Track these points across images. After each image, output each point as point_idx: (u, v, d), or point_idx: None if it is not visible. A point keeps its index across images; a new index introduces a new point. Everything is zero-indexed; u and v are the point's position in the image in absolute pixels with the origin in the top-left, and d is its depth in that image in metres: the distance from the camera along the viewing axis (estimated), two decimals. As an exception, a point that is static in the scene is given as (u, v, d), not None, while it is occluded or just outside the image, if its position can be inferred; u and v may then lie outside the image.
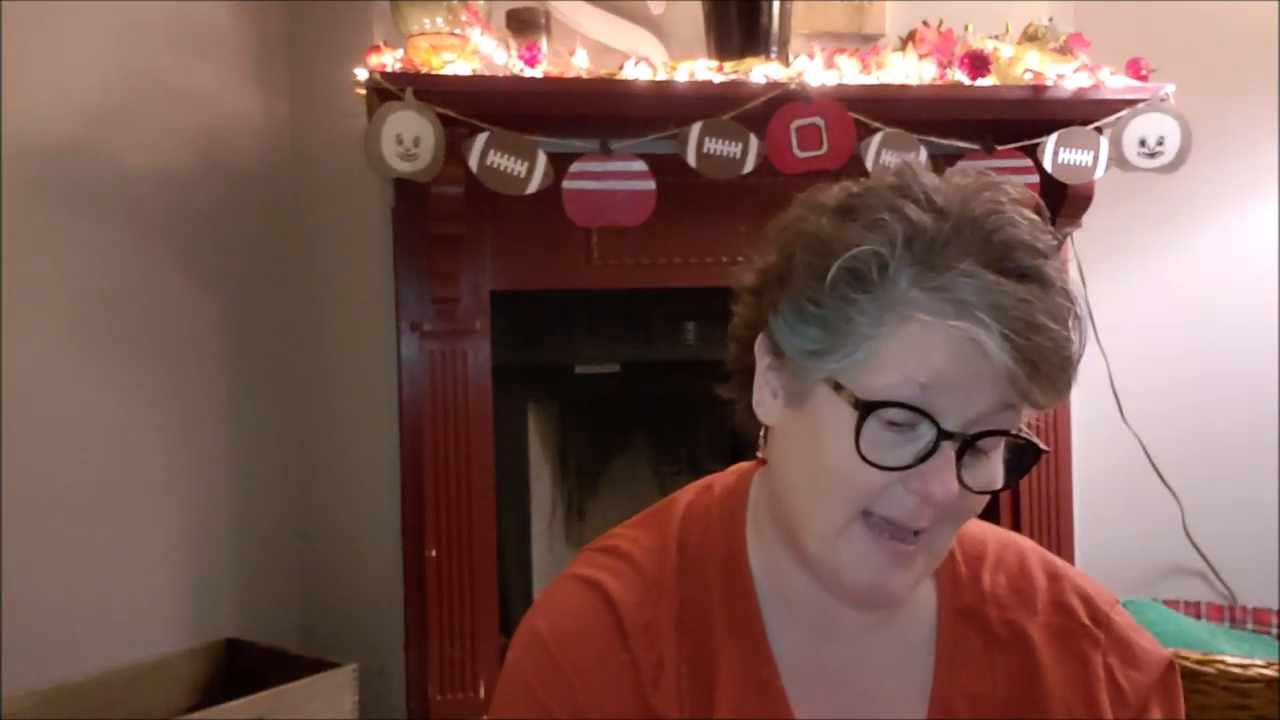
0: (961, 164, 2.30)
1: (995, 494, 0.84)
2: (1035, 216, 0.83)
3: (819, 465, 0.83)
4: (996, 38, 2.38)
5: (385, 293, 2.36)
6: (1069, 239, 2.59)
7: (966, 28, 2.38)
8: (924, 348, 0.79)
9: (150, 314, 2.36)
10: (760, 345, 0.88)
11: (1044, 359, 0.78)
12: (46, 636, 2.17)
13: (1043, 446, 0.84)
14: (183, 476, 2.40)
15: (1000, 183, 0.84)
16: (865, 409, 0.80)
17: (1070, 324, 0.80)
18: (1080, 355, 0.82)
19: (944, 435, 0.79)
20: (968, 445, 0.80)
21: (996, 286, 0.78)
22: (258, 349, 2.52)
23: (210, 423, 2.45)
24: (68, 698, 2.08)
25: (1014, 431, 0.82)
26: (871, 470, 0.80)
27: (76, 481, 2.24)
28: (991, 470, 0.83)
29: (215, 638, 2.38)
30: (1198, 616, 2.53)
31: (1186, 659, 1.96)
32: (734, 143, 2.17)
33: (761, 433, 0.92)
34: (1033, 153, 2.31)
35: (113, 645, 2.24)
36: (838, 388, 0.82)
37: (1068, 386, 0.81)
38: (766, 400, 0.89)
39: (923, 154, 2.22)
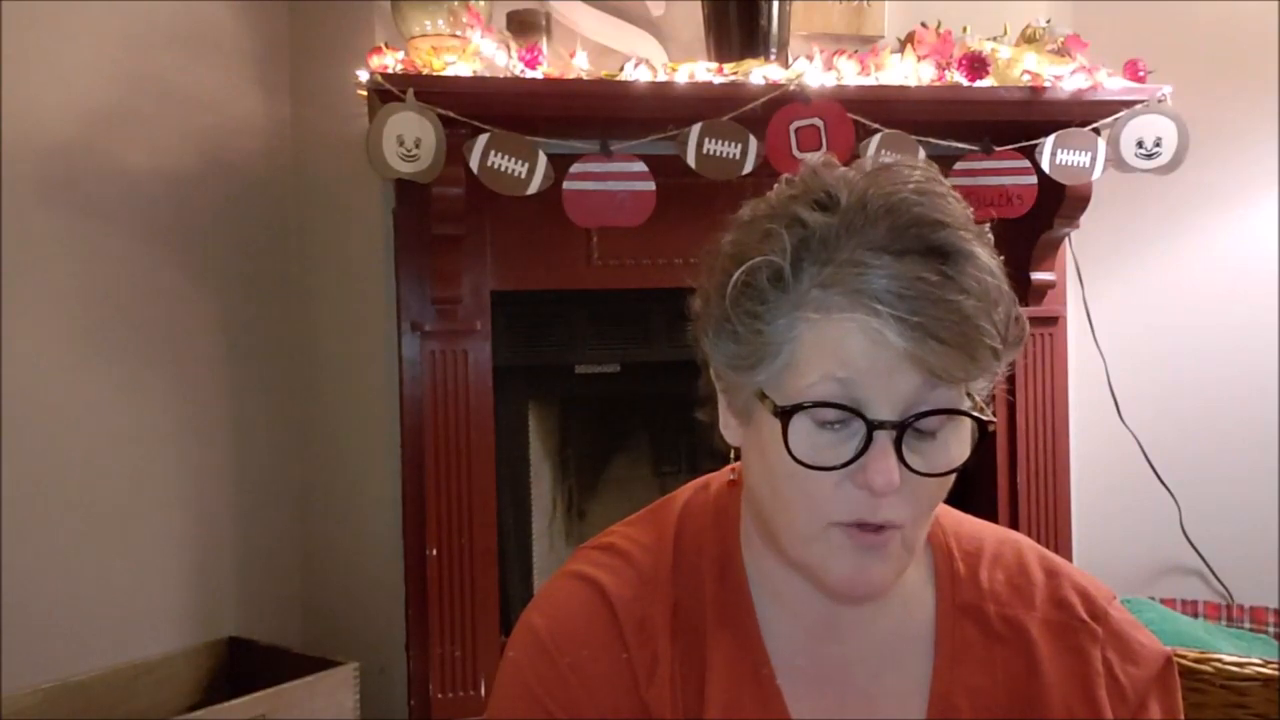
0: (959, 163, 2.32)
1: (959, 471, 0.82)
2: (945, 190, 0.83)
3: (774, 478, 0.84)
4: (995, 39, 2.39)
5: (386, 293, 2.36)
6: (1067, 239, 2.59)
7: (965, 29, 2.39)
8: (833, 343, 0.79)
9: (152, 314, 2.36)
10: (712, 369, 0.89)
11: (950, 333, 0.77)
12: (48, 635, 2.18)
13: (985, 418, 0.82)
14: (184, 475, 2.41)
15: (907, 163, 0.84)
16: (784, 414, 0.80)
17: (989, 291, 0.79)
18: (1010, 320, 0.81)
19: (875, 425, 0.79)
20: (904, 430, 0.79)
21: (888, 269, 0.78)
22: (259, 349, 2.53)
23: (211, 422, 2.45)
24: (69, 696, 2.09)
25: (956, 409, 0.80)
26: (816, 474, 0.81)
27: (78, 481, 2.25)
28: (947, 451, 0.82)
29: (217, 636, 2.39)
30: (1195, 615, 2.53)
31: (1184, 658, 1.96)
32: (734, 144, 2.18)
33: (731, 453, 0.94)
34: (1031, 154, 2.32)
35: (114, 644, 2.25)
36: (763, 397, 0.83)
37: (991, 356, 0.80)
38: (729, 422, 0.90)
39: (921, 155, 2.23)
